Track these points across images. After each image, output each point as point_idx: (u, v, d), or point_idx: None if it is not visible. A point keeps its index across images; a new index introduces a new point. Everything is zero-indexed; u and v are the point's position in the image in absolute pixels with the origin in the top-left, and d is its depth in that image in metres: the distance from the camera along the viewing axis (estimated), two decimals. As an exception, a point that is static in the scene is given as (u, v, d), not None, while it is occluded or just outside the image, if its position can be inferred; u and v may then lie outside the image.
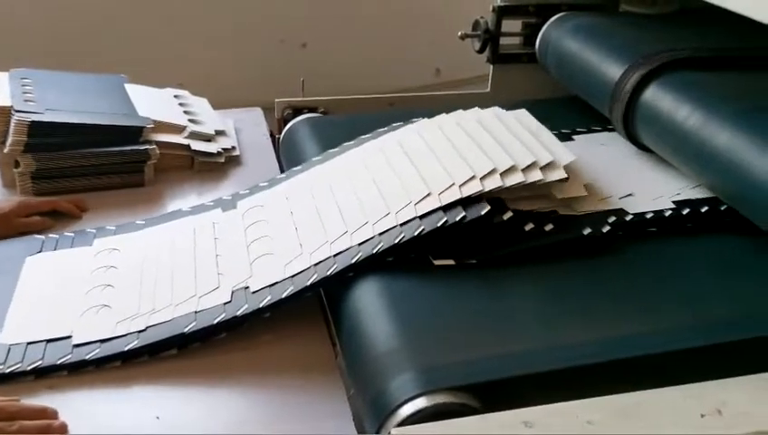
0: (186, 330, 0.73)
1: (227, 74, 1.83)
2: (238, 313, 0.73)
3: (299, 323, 0.77)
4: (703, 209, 0.80)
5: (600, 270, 0.74)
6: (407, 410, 0.58)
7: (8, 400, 0.66)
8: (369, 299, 0.71)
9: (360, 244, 0.75)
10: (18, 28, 1.71)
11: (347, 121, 1.10)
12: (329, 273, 0.74)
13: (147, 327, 0.74)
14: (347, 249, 0.75)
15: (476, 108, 0.98)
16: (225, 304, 0.75)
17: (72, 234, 0.92)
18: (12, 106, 1.00)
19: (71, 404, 0.67)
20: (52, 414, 0.65)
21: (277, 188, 0.94)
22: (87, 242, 0.89)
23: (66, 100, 1.07)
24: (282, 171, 1.07)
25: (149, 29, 1.87)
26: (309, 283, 0.74)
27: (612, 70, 0.96)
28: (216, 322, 0.73)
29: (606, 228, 0.77)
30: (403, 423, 0.58)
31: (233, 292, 0.76)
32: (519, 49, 1.23)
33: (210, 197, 1.01)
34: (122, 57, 1.60)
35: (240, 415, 0.67)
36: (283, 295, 0.74)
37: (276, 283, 0.76)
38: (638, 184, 0.86)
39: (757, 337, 0.65)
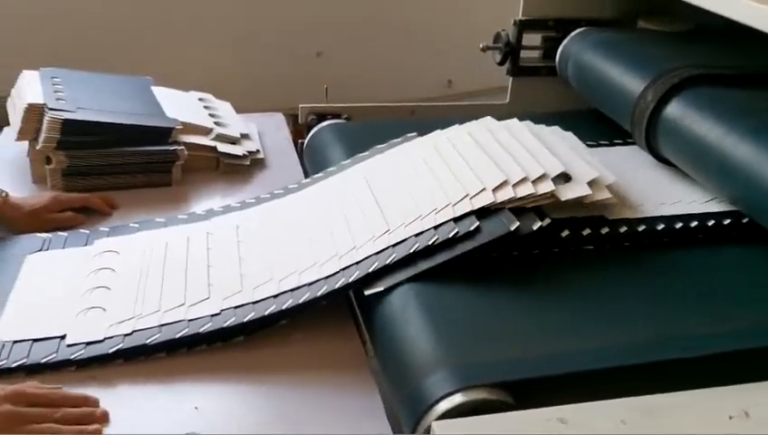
0: (176, 336, 0.74)
1: (243, 80, 1.86)
2: (225, 324, 0.75)
3: (329, 323, 0.79)
4: (726, 222, 0.83)
5: (630, 277, 0.77)
6: (444, 405, 0.60)
7: (51, 388, 0.67)
8: (402, 300, 0.73)
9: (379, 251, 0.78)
10: (42, 30, 1.74)
11: (371, 128, 1.12)
12: (337, 286, 0.76)
13: (133, 331, 0.75)
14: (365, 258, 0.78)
15: (514, 119, 0.99)
16: (212, 315, 0.76)
17: (66, 233, 0.92)
18: (45, 104, 1.01)
19: (112, 393, 0.69)
20: (93, 403, 0.67)
21: (288, 199, 0.97)
22: (84, 242, 0.90)
23: (96, 99, 1.09)
24: (305, 175, 1.09)
25: (172, 34, 1.91)
26: (321, 293, 0.76)
27: (633, 85, 0.98)
28: (203, 331, 0.74)
29: (641, 228, 0.80)
30: (441, 418, 0.59)
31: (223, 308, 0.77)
32: (538, 62, 1.26)
33: (235, 198, 1.03)
34: (145, 60, 1.62)
35: (274, 413, 0.69)
36: (284, 307, 0.76)
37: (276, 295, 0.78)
38: (661, 195, 0.88)
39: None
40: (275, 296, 0.78)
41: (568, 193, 0.79)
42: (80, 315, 0.77)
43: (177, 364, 0.73)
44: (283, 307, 0.76)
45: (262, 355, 0.75)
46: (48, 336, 0.74)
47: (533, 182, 0.79)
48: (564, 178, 0.81)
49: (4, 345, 0.72)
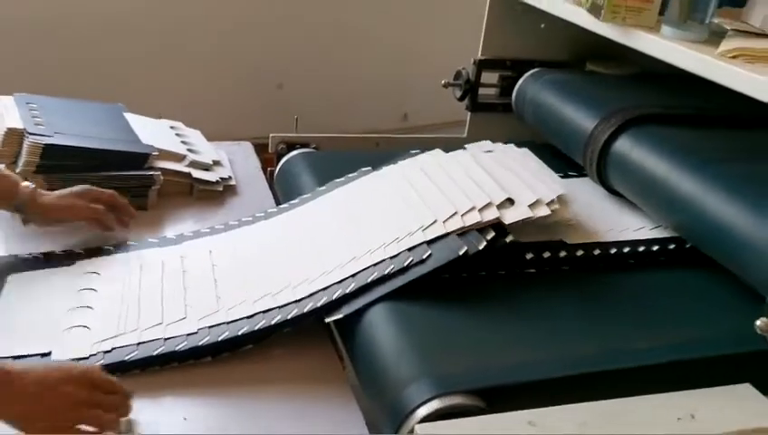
0: (153, 353, 0.77)
1: (208, 109, 1.90)
2: (200, 343, 0.79)
3: (307, 339, 0.83)
4: (670, 246, 0.91)
5: (585, 296, 0.84)
6: (423, 411, 0.65)
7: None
8: (378, 317, 0.78)
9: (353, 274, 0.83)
10: (7, 55, 1.76)
11: (338, 157, 1.18)
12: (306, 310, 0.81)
13: (113, 348, 0.78)
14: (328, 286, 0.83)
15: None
16: (188, 334, 0.80)
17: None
18: (24, 129, 1.04)
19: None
20: (129, 395, 0.71)
21: (258, 225, 1.02)
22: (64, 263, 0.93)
23: (72, 125, 1.11)
24: (276, 202, 1.14)
25: (140, 63, 1.96)
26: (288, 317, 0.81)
27: (586, 122, 1.07)
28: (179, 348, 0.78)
29: (596, 251, 0.88)
30: (420, 423, 0.65)
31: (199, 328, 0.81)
32: (495, 99, 1.35)
33: (208, 223, 1.07)
34: (113, 87, 1.65)
35: (258, 423, 0.72)
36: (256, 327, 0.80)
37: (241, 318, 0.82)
38: (613, 223, 0.96)
39: (721, 355, 0.74)
40: (249, 317, 0.82)
41: (511, 217, 0.85)
42: (65, 333, 0.80)
43: (162, 379, 0.76)
44: (256, 328, 0.80)
45: (245, 370, 0.79)
46: (33, 353, 0.76)
47: (480, 210, 0.86)
48: (509, 202, 0.88)
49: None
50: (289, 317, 0.80)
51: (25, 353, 0.76)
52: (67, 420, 0.67)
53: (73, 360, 0.76)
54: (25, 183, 0.95)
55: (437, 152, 1.07)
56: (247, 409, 0.74)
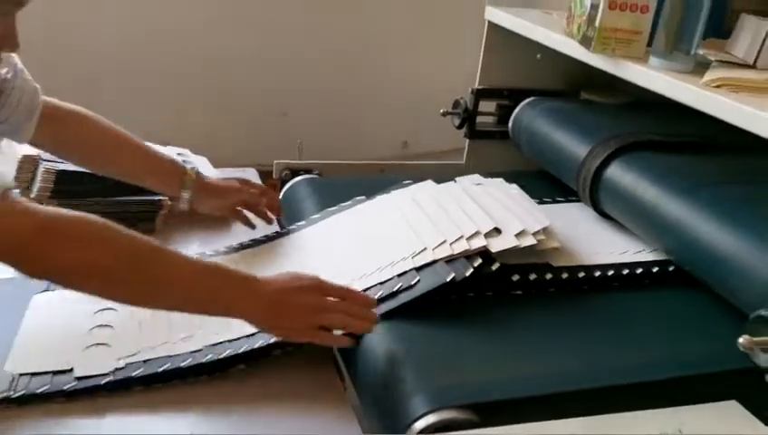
0: (159, 370, 0.81)
1: (214, 138, 1.94)
2: (203, 360, 0.82)
3: (308, 359, 0.86)
4: (654, 269, 0.94)
5: (570, 316, 0.87)
6: (420, 424, 0.68)
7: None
8: (378, 333, 0.81)
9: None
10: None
11: (341, 183, 1.22)
12: None
13: (126, 365, 0.81)
14: None
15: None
16: (192, 352, 0.83)
17: None
18: (39, 155, 1.08)
19: (112, 419, 0.75)
20: (372, 302, 0.82)
21: (254, 250, 1.07)
22: None
23: (84, 152, 1.15)
24: (280, 226, 1.18)
25: (150, 94, 2.02)
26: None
27: (579, 149, 1.11)
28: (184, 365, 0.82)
29: (581, 274, 0.91)
30: (419, 435, 0.67)
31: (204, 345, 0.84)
32: (493, 127, 1.39)
33: (213, 246, 1.10)
34: (124, 117, 1.69)
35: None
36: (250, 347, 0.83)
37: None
38: (603, 245, 0.99)
39: (707, 373, 0.77)
40: (248, 336, 0.85)
41: (498, 245, 0.89)
42: (86, 351, 0.83)
43: (166, 395, 0.79)
44: (255, 346, 0.83)
45: (247, 388, 0.82)
46: (56, 370, 0.79)
47: (468, 239, 0.89)
48: (497, 231, 0.91)
49: (13, 378, 0.77)
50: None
51: (48, 370, 0.79)
52: (307, 323, 0.78)
53: (94, 376, 0.79)
54: (190, 166, 1.06)
55: (429, 183, 1.11)
56: (250, 426, 0.77)
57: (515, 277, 0.89)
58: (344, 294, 0.81)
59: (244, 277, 0.79)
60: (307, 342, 0.79)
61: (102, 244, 0.74)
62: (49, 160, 1.07)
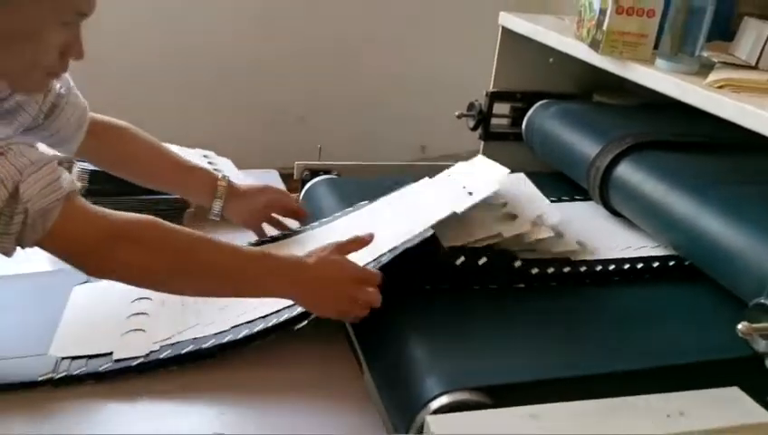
0: (182, 352, 0.85)
1: (234, 140, 2.00)
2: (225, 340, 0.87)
3: (326, 346, 0.91)
4: (655, 264, 0.98)
5: (583, 306, 0.91)
6: (433, 405, 0.72)
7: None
8: (395, 320, 0.85)
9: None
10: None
11: (359, 183, 1.27)
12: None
13: (160, 347, 0.86)
14: None
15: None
16: (215, 333, 0.88)
17: None
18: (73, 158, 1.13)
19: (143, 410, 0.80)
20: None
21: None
22: None
23: (115, 153, 1.21)
24: (301, 223, 1.22)
25: (177, 98, 2.08)
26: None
27: (589, 149, 1.14)
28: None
29: (598, 268, 0.95)
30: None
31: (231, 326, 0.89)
32: (507, 129, 1.43)
33: (237, 243, 1.15)
34: (151, 120, 1.75)
35: (282, 421, 0.79)
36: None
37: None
38: (614, 242, 1.03)
39: (710, 360, 0.81)
40: (263, 317, 0.89)
41: (511, 231, 0.93)
42: (124, 336, 0.88)
43: (194, 380, 0.84)
44: (269, 325, 0.87)
45: (267, 373, 0.86)
46: (96, 354, 0.84)
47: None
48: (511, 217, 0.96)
49: (57, 361, 0.83)
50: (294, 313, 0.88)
51: (88, 354, 0.84)
52: (342, 312, 0.86)
53: (132, 358, 0.84)
54: (222, 175, 1.11)
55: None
56: (268, 410, 0.81)
57: (534, 270, 0.93)
58: (373, 280, 0.86)
59: (291, 263, 0.86)
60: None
61: (164, 247, 0.81)
62: (82, 161, 1.13)
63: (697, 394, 0.76)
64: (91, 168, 1.12)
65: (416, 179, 1.17)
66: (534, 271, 0.93)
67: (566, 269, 0.95)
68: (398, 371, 0.80)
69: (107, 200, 1.11)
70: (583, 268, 0.96)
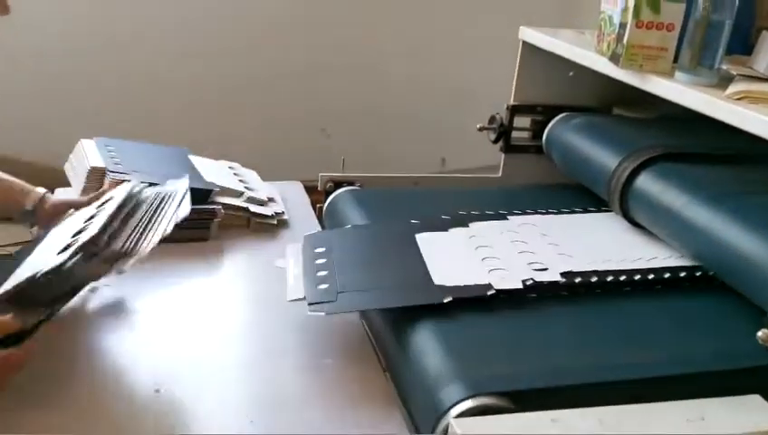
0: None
1: (258, 152, 2.04)
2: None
3: (347, 346, 0.94)
4: (697, 274, 0.98)
5: (613, 312, 0.92)
6: (457, 409, 0.74)
7: None
8: (417, 328, 0.87)
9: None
10: (90, 104, 1.94)
11: (382, 194, 1.29)
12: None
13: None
14: None
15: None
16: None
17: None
18: (105, 167, 1.17)
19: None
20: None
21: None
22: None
23: (145, 164, 1.25)
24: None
25: (203, 112, 2.14)
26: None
27: (609, 161, 1.16)
28: None
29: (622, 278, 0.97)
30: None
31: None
32: (527, 141, 1.45)
33: (264, 254, 1.18)
34: (178, 133, 1.80)
35: (303, 425, 0.82)
36: None
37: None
38: (637, 253, 1.04)
39: (732, 368, 0.82)
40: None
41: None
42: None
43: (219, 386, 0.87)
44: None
45: (293, 372, 0.90)
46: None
47: None
48: None
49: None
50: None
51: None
52: None
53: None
54: (38, 189, 1.09)
55: None
56: (291, 410, 0.84)
57: (561, 280, 0.95)
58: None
59: None
60: None
61: None
62: (115, 172, 1.16)
63: (718, 401, 0.77)
64: (124, 178, 1.15)
65: (437, 192, 1.20)
66: (562, 281, 0.95)
67: (594, 279, 0.96)
68: (422, 373, 0.82)
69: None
70: (610, 278, 0.97)
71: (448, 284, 0.92)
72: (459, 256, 1.01)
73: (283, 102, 2.28)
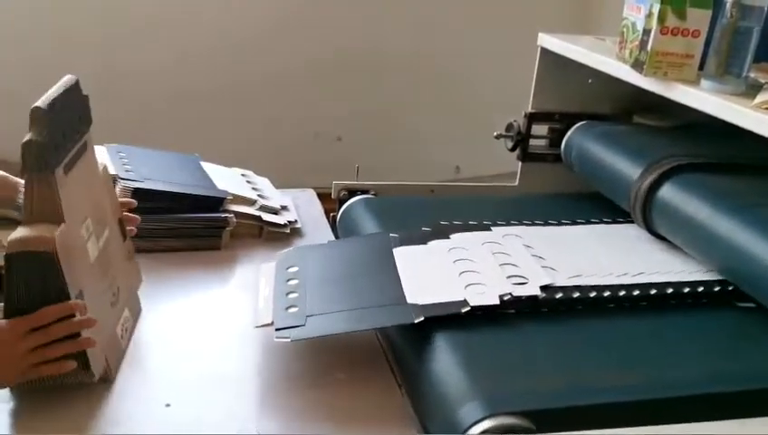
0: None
1: (271, 160, 2.02)
2: None
3: (363, 363, 0.91)
4: (716, 289, 0.96)
5: (634, 327, 0.90)
6: (476, 429, 0.71)
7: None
8: (436, 343, 0.85)
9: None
10: (103, 111, 1.93)
11: (396, 202, 1.27)
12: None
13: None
14: None
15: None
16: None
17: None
18: (117, 174, 1.15)
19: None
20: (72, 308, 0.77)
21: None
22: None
23: (157, 171, 1.23)
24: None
25: (216, 118, 2.13)
26: None
27: (631, 171, 1.13)
28: None
29: (636, 292, 0.94)
30: (474, 439, 0.71)
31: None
32: (545, 150, 1.42)
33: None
34: (191, 140, 1.78)
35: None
36: None
37: None
38: (656, 265, 1.01)
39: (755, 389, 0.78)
40: None
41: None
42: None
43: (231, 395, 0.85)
44: None
45: (308, 389, 0.87)
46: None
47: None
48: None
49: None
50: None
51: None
52: (21, 371, 0.77)
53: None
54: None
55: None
56: (306, 428, 0.81)
57: (576, 295, 0.93)
58: (41, 319, 0.76)
59: None
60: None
61: None
62: (126, 179, 1.14)
63: (762, 421, 0.74)
64: (135, 185, 1.14)
65: (452, 201, 1.17)
66: (576, 295, 0.92)
67: (606, 293, 0.93)
68: (439, 392, 0.79)
69: (147, 218, 1.13)
70: (622, 292, 0.94)
71: (422, 302, 0.89)
72: (436, 272, 0.97)
73: (298, 110, 2.27)
